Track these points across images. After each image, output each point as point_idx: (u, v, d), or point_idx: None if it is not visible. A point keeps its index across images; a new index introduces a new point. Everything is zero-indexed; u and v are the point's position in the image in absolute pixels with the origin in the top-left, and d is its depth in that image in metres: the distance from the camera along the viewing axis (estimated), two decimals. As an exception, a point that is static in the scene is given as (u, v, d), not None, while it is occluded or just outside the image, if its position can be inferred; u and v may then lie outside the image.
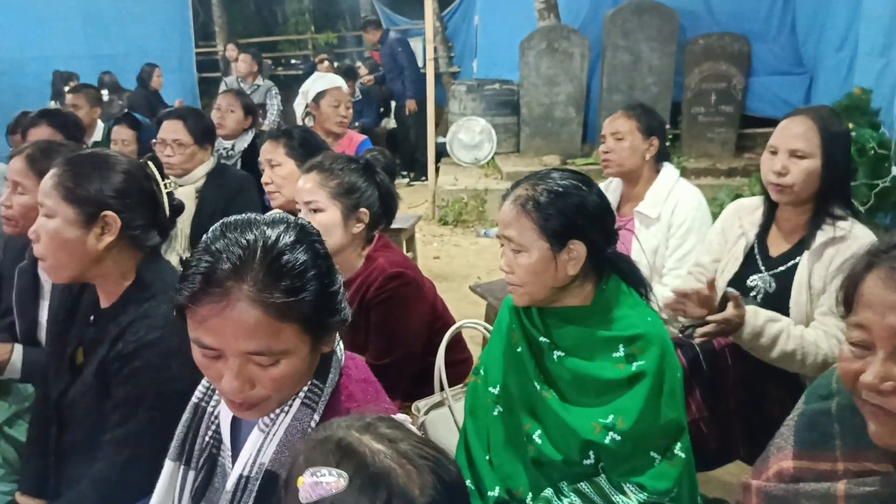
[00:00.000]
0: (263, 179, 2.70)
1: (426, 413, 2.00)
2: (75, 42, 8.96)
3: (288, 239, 1.07)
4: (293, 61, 12.76)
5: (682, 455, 1.52)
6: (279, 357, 1.06)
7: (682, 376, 1.58)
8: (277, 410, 1.16)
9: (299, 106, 3.92)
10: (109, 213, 1.59)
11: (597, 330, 1.55)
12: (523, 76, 7.55)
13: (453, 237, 6.48)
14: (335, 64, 9.32)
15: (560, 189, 1.53)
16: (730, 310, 1.88)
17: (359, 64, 9.19)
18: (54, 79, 7.48)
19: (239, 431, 1.25)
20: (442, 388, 2.02)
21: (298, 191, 2.07)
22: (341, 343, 1.25)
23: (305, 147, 2.67)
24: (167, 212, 1.72)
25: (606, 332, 1.54)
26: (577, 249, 1.51)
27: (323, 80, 3.95)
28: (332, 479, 0.85)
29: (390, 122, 9.21)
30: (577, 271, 1.52)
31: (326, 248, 1.15)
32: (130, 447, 1.57)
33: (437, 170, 7.28)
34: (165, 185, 1.75)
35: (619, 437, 1.47)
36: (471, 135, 7.80)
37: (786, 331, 1.89)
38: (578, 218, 1.51)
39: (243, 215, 1.12)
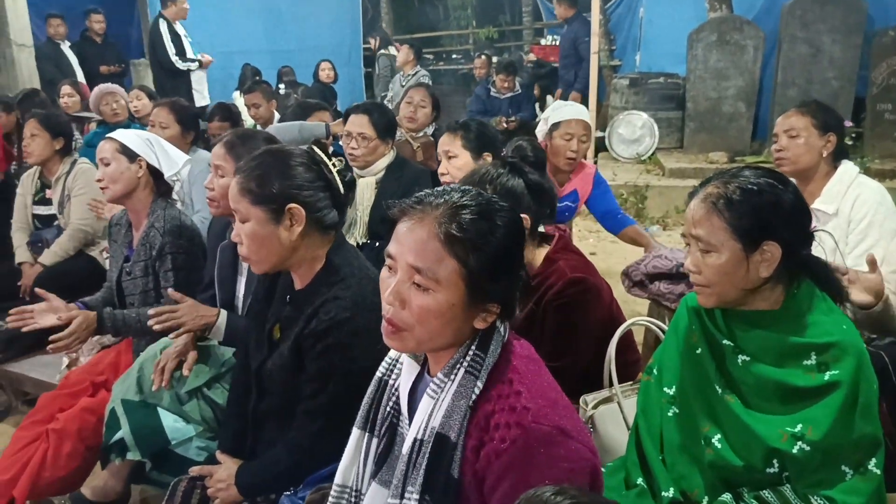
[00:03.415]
0: (440, 170, 2.80)
1: (594, 407, 2.00)
2: (255, 38, 9.60)
3: (481, 204, 1.25)
4: (454, 56, 13.01)
5: (877, 471, 1.44)
6: (433, 284, 1.20)
7: (878, 389, 1.50)
8: (445, 379, 1.27)
9: (540, 132, 3.52)
10: (293, 205, 1.73)
11: (786, 336, 1.48)
12: (690, 69, 7.29)
13: (610, 234, 6.37)
14: (493, 59, 9.39)
15: (754, 187, 1.47)
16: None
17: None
18: (243, 72, 8.09)
19: (415, 403, 1.35)
20: (611, 384, 2.01)
21: None
22: (507, 323, 1.32)
23: (481, 139, 2.76)
24: (341, 188, 1.86)
25: (797, 339, 1.47)
26: (772, 251, 1.45)
27: (564, 109, 3.45)
28: None
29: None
30: (770, 274, 1.47)
31: (519, 233, 1.29)
32: (322, 417, 1.72)
33: (595, 164, 7.18)
34: (333, 163, 1.88)
35: (808, 448, 1.41)
36: (631, 129, 7.64)
37: None
38: (773, 218, 1.46)
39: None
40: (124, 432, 2.08)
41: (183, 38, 7.00)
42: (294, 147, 1.91)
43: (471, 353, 1.26)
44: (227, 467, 1.86)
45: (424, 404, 1.28)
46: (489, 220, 1.23)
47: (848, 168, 2.58)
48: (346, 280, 1.76)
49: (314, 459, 1.74)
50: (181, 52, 6.94)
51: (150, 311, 2.18)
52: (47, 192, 3.79)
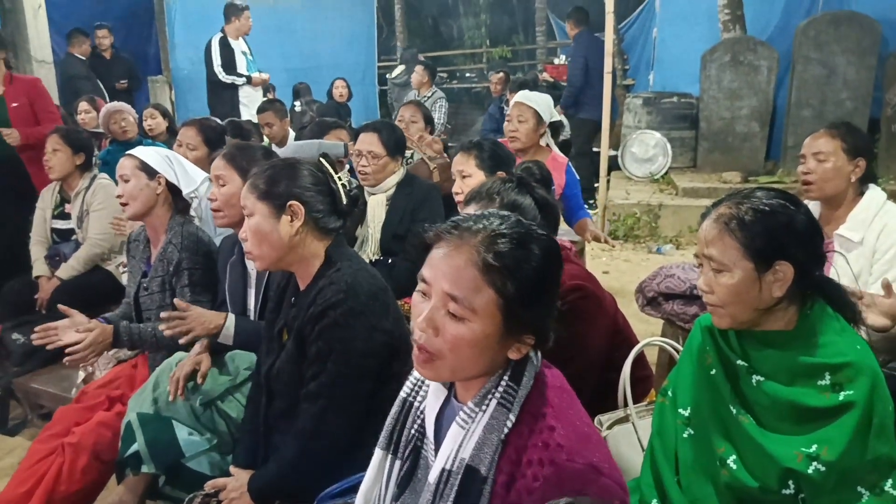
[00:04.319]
0: (454, 189, 2.81)
1: (609, 428, 2.00)
2: (272, 57, 9.66)
3: (520, 232, 1.22)
4: (467, 74, 13.08)
5: (893, 493, 1.44)
6: (468, 314, 1.17)
7: (893, 409, 1.49)
8: (476, 409, 1.23)
9: None
10: (294, 202, 1.86)
11: (800, 356, 1.49)
12: (704, 89, 7.31)
13: (623, 252, 6.38)
14: (510, 77, 9.43)
15: (766, 208, 1.48)
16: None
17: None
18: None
19: (441, 427, 1.33)
20: (626, 405, 2.01)
21: None
22: (539, 353, 1.31)
23: (494, 159, 2.77)
24: (343, 199, 1.98)
25: (811, 359, 1.48)
26: (784, 271, 1.46)
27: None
28: None
29: (560, 135, 9.17)
30: (783, 293, 1.48)
31: (559, 261, 1.28)
32: (323, 398, 1.78)
33: (607, 183, 7.19)
34: (339, 177, 2.00)
35: (823, 468, 1.41)
36: (644, 148, 7.66)
37: None
38: (786, 238, 1.47)
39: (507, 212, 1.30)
40: (139, 445, 2.10)
41: (238, 54, 7.01)
42: (304, 159, 2.03)
43: (503, 383, 1.24)
44: (240, 478, 1.89)
45: (453, 433, 1.25)
46: (528, 248, 1.21)
47: (875, 195, 2.52)
48: (341, 270, 1.86)
49: (318, 443, 1.78)
50: (230, 66, 6.95)
51: (162, 315, 2.23)
52: (66, 206, 3.84)
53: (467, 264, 1.17)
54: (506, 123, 3.82)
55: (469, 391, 1.27)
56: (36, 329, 2.38)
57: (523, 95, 3.87)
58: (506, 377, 1.24)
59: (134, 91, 8.29)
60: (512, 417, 1.21)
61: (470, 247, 1.18)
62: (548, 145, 3.84)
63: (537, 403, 1.23)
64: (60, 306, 2.44)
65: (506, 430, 1.21)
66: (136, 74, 8.44)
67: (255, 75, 7.12)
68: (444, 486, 1.23)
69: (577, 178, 3.93)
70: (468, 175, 2.77)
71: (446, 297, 1.18)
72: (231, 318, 2.28)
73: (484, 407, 1.23)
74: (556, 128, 3.92)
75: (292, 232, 1.86)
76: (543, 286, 1.22)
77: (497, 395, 1.23)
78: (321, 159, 2.01)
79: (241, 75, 6.98)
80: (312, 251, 1.91)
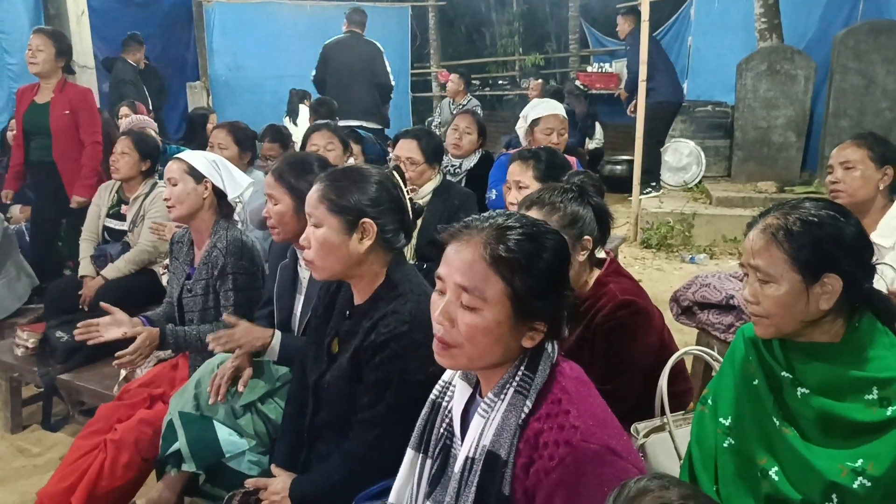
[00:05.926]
0: (509, 199, 2.78)
1: (646, 436, 1.99)
2: (306, 63, 9.75)
3: (525, 225, 1.32)
4: (500, 82, 13.08)
5: (941, 511, 1.42)
6: (480, 303, 1.26)
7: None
8: (495, 399, 1.31)
9: (520, 129, 4.00)
10: (367, 220, 1.80)
11: (847, 369, 1.47)
12: (739, 98, 7.26)
13: (656, 261, 6.34)
14: (549, 82, 9.41)
15: (815, 219, 1.47)
16: None
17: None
18: (291, 97, 8.24)
19: (468, 424, 1.37)
20: (663, 413, 2.00)
21: None
22: (555, 345, 1.36)
23: (552, 168, 2.73)
24: (411, 215, 1.93)
25: (858, 373, 1.46)
26: (832, 283, 1.44)
27: (540, 106, 3.98)
28: None
29: (592, 143, 9.17)
30: (830, 306, 1.46)
31: (564, 255, 1.34)
32: (378, 427, 1.77)
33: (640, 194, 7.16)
34: (407, 191, 1.94)
35: (868, 483, 1.39)
36: (678, 157, 7.62)
37: None
38: (834, 250, 1.45)
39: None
40: (181, 444, 2.13)
41: None
42: (375, 168, 1.96)
43: (520, 373, 1.31)
44: (282, 480, 1.90)
45: (476, 423, 1.32)
46: (534, 241, 1.29)
47: None
48: (404, 295, 1.82)
49: (369, 469, 1.77)
50: None
51: (209, 338, 2.23)
52: (123, 207, 3.88)
53: (476, 257, 1.27)
54: (543, 136, 3.79)
55: (490, 383, 1.35)
56: (79, 325, 2.44)
57: (557, 107, 3.91)
58: (522, 367, 1.32)
59: (161, 108, 8.36)
60: (529, 403, 1.29)
61: (477, 241, 1.28)
62: None
63: (554, 391, 1.30)
64: (103, 304, 2.49)
65: (523, 415, 1.28)
66: (164, 88, 8.49)
67: None
68: (468, 474, 1.30)
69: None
70: (525, 186, 2.72)
71: (459, 289, 1.28)
72: (278, 336, 2.27)
73: (503, 395, 1.31)
74: None
75: (361, 250, 1.81)
76: (550, 276, 1.29)
77: (514, 383, 1.31)
78: (393, 172, 1.94)
79: None
80: (376, 269, 1.86)
